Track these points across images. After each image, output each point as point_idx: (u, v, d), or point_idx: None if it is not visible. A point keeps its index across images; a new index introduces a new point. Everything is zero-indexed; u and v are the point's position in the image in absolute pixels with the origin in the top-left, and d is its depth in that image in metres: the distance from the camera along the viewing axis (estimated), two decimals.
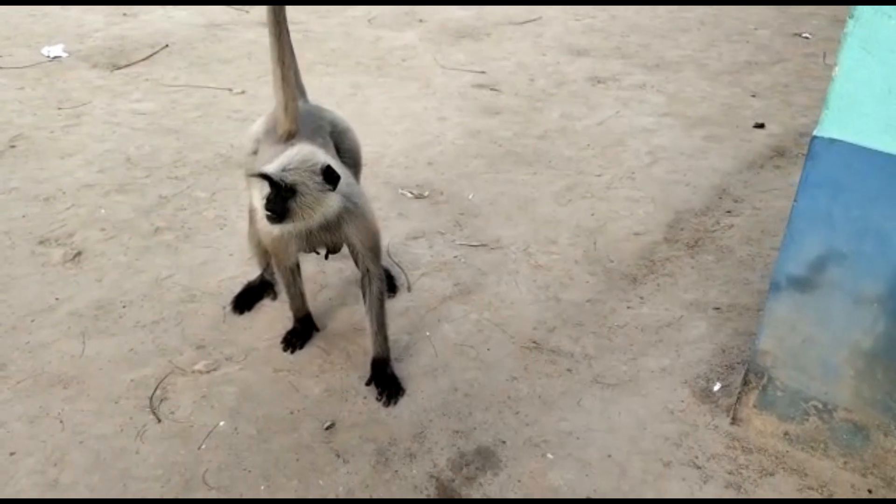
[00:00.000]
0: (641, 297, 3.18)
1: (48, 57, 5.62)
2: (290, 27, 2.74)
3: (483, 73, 5.69)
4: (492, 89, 5.38)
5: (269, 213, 2.31)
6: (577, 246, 3.53)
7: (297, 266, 2.73)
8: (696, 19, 7.23)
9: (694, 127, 4.86)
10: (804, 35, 6.78)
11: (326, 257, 2.78)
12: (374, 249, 2.58)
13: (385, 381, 2.62)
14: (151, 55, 5.78)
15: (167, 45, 5.99)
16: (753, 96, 5.40)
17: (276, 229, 2.38)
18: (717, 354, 2.85)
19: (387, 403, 2.57)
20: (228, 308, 2.98)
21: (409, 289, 3.16)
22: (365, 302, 2.66)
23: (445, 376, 2.71)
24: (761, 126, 4.89)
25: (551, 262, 3.41)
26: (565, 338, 2.92)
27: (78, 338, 2.81)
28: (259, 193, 2.39)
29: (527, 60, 6.00)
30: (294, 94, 2.61)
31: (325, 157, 2.39)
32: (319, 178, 2.32)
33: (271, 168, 2.29)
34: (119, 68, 5.50)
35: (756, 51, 6.37)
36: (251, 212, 2.90)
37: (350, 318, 3.00)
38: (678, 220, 3.77)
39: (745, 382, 2.48)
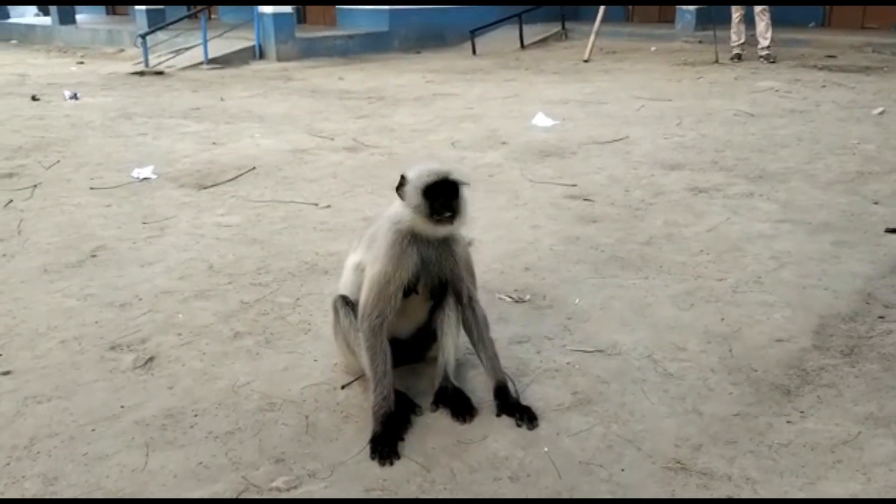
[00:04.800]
0: (801, 412, 2.62)
1: (137, 178, 5.66)
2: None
3: (574, 185, 5.42)
4: (585, 199, 5.08)
5: (444, 215, 2.42)
6: (711, 353, 3.03)
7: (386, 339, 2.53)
8: (793, 136, 6.91)
9: (817, 233, 4.38)
10: None
11: (432, 297, 2.62)
12: (474, 275, 2.73)
13: (516, 408, 2.57)
14: (238, 176, 5.76)
15: (254, 168, 5.99)
16: (876, 203, 4.92)
17: (444, 230, 2.48)
18: None
19: (530, 427, 2.50)
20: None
21: (518, 397, 2.70)
22: (472, 333, 2.66)
23: None
24: (894, 231, 4.38)
25: (683, 370, 2.90)
26: (716, 457, 2.38)
27: (141, 449, 2.43)
28: (411, 208, 2.44)
29: (618, 174, 5.72)
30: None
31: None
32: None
33: (435, 175, 2.43)
34: (206, 188, 5.47)
35: (866, 162, 5.95)
36: (336, 302, 2.69)
37: (450, 431, 2.53)
38: (824, 326, 3.24)
39: None
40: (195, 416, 2.62)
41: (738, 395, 2.73)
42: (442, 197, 2.42)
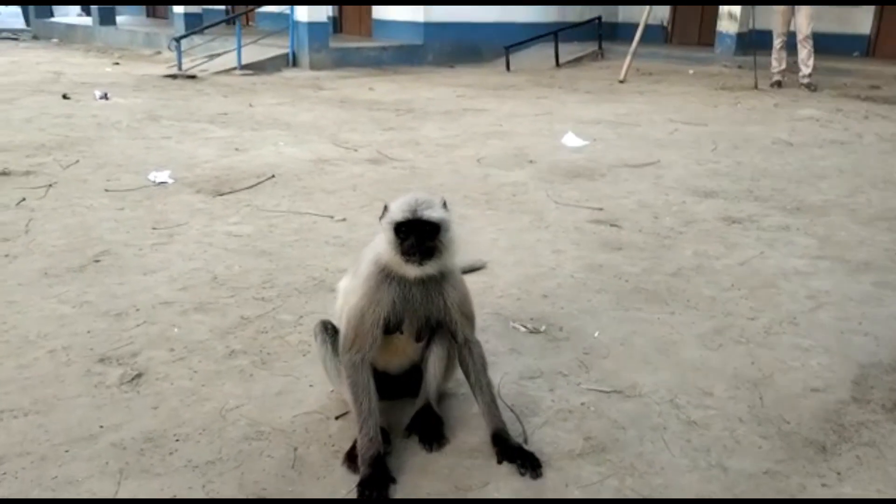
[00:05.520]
0: (838, 473, 2.37)
1: (154, 182, 5.55)
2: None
3: (601, 209, 5.20)
4: (612, 224, 4.85)
5: (412, 257, 2.19)
6: (739, 400, 2.79)
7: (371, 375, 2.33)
8: (834, 167, 6.62)
9: (858, 272, 4.11)
10: None
11: (418, 339, 2.42)
12: (471, 317, 2.45)
13: (518, 454, 2.33)
14: (256, 184, 5.63)
15: (273, 176, 5.86)
16: None
17: (415, 272, 2.24)
18: None
19: (534, 476, 2.27)
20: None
21: (525, 441, 2.48)
22: (470, 375, 2.44)
23: None
24: None
25: (708, 418, 2.67)
26: None
27: (113, 476, 2.26)
28: (386, 243, 2.25)
29: (648, 199, 5.49)
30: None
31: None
32: (449, 213, 2.26)
33: (407, 211, 2.20)
34: (222, 195, 5.34)
35: None
36: (316, 328, 2.54)
37: (449, 475, 2.32)
38: (865, 376, 2.98)
39: None
40: (176, 440, 2.44)
41: (767, 450, 2.48)
42: (414, 235, 2.20)
